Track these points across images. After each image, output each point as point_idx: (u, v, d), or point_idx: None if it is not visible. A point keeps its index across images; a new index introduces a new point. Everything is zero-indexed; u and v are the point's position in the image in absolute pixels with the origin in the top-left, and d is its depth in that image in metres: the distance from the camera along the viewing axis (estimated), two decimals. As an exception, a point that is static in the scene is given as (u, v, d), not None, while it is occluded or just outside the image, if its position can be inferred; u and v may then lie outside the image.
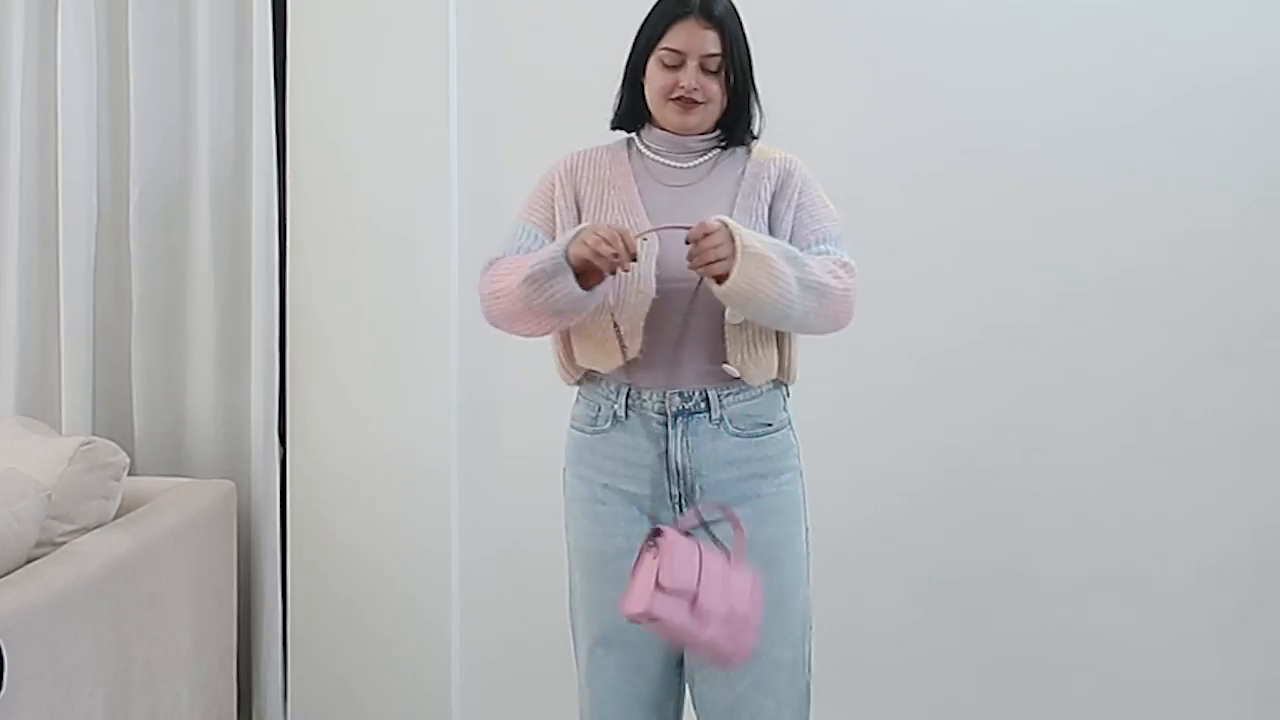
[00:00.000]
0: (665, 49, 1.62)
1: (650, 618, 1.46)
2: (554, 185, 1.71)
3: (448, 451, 2.41)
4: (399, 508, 2.42)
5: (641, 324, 1.61)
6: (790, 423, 1.71)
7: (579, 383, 1.73)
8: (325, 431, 2.44)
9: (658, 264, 1.60)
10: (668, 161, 1.70)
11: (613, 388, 1.66)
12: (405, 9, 2.38)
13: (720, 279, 1.50)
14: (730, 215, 1.61)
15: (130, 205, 2.46)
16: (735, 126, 1.68)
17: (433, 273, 2.39)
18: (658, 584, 1.45)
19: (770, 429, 1.67)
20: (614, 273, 1.52)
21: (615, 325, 1.61)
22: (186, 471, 2.48)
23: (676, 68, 1.62)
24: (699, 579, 1.47)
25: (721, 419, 1.63)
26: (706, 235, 1.49)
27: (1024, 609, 2.38)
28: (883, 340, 2.31)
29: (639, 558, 1.51)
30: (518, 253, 1.66)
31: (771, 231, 1.65)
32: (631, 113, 1.72)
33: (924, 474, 2.38)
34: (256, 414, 2.41)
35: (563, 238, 1.57)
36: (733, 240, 1.49)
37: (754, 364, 1.63)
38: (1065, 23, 2.31)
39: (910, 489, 2.38)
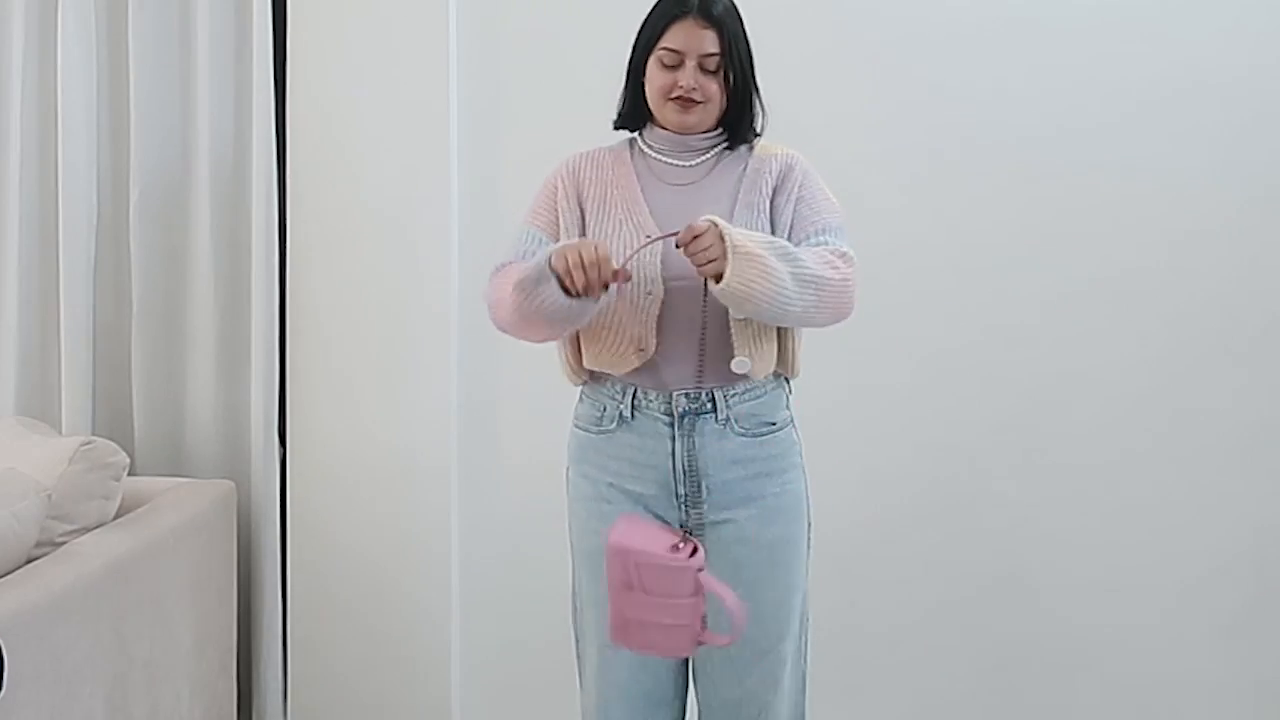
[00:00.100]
0: (664, 49, 1.63)
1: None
2: (557, 188, 1.72)
3: (448, 451, 2.41)
4: (399, 508, 2.42)
5: (654, 324, 1.61)
6: (793, 421, 1.71)
7: (584, 383, 1.73)
8: (325, 431, 2.43)
9: (663, 264, 1.60)
10: (670, 160, 1.70)
11: (618, 388, 1.66)
12: (405, 9, 2.38)
13: (717, 279, 1.50)
14: (732, 212, 1.62)
15: (130, 205, 2.46)
16: (737, 125, 1.68)
17: (433, 273, 2.39)
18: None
19: (774, 428, 1.67)
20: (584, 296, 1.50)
21: (627, 328, 1.61)
22: (186, 471, 2.47)
23: (675, 67, 1.62)
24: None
25: (728, 419, 1.63)
26: (695, 238, 1.49)
27: (1024, 609, 2.38)
28: (882, 340, 2.31)
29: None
30: (522, 258, 1.65)
31: (773, 226, 1.64)
32: (634, 112, 1.72)
33: (924, 474, 2.38)
34: (256, 414, 2.41)
35: (553, 246, 1.56)
36: (723, 240, 1.49)
37: (758, 356, 1.63)
38: (1065, 22, 2.31)
39: (910, 489, 2.38)
